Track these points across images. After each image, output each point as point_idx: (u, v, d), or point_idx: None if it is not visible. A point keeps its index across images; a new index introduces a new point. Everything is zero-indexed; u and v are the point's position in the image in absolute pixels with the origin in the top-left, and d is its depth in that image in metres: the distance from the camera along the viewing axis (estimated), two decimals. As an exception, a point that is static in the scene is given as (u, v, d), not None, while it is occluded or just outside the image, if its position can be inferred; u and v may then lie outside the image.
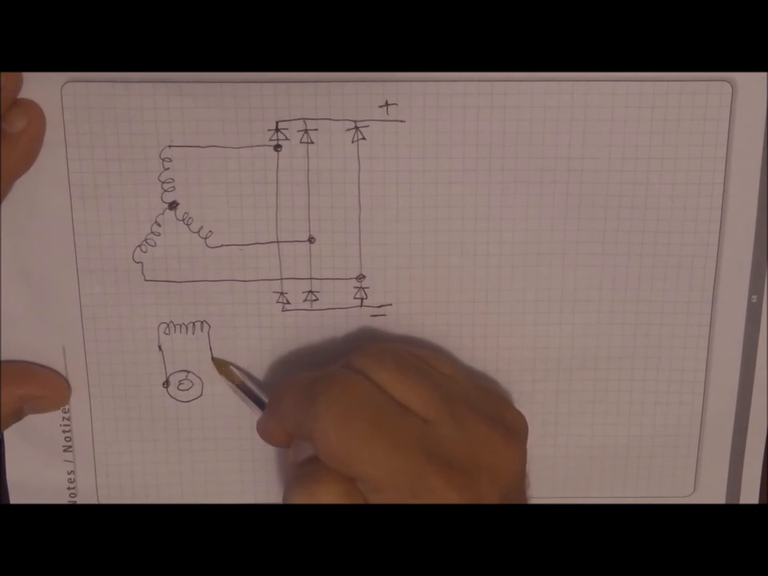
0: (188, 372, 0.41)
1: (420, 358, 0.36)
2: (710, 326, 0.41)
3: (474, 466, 0.33)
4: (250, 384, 0.40)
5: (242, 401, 0.40)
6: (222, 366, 0.40)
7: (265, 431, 0.38)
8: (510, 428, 0.36)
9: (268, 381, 0.41)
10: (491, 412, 0.36)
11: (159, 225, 0.39)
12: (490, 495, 0.33)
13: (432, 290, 0.40)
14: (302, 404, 0.34)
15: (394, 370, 0.34)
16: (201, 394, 0.41)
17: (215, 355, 0.40)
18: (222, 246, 0.39)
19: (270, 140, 0.38)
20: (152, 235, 0.39)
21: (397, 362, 0.35)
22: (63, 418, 0.41)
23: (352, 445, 0.32)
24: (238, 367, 0.40)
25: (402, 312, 0.40)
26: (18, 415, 0.39)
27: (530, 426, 0.40)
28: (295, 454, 0.36)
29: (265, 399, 0.39)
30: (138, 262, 0.39)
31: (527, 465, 0.37)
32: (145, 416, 0.41)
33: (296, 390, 0.35)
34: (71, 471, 0.41)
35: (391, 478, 0.32)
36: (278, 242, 0.39)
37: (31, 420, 0.40)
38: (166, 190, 0.38)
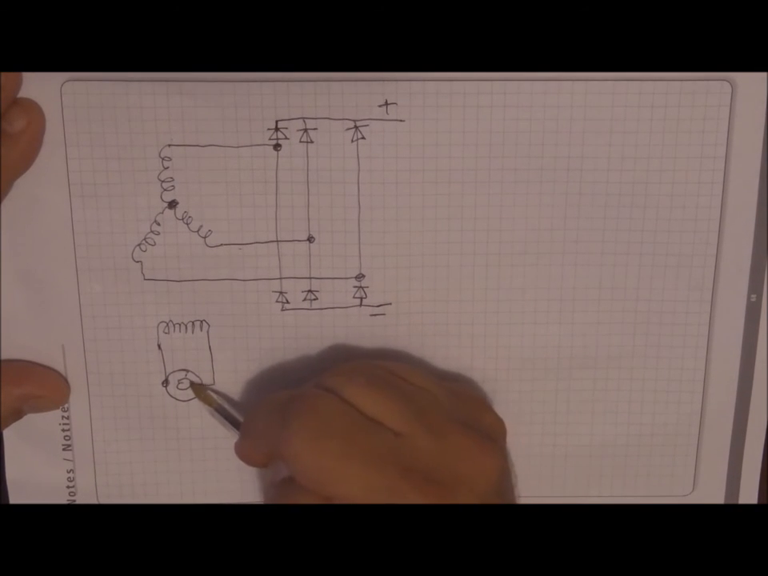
0: (187, 371, 0.41)
1: (391, 372, 0.36)
2: (710, 325, 0.41)
3: (451, 476, 0.33)
4: (228, 407, 0.40)
5: (222, 424, 0.40)
6: (199, 391, 0.40)
7: (241, 453, 0.37)
8: (487, 433, 0.36)
9: (266, 384, 0.41)
10: (467, 419, 0.36)
11: (159, 224, 0.39)
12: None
13: (431, 289, 0.40)
14: (274, 425, 0.34)
15: (364, 385, 0.34)
16: (200, 394, 0.41)
17: (216, 356, 0.40)
18: (221, 245, 0.39)
19: (270, 139, 0.38)
20: (151, 234, 0.39)
21: (366, 378, 0.35)
22: (63, 417, 0.41)
23: (324, 464, 0.32)
24: (216, 391, 0.40)
25: (401, 311, 0.40)
26: (17, 414, 0.39)
27: (529, 426, 0.40)
28: (273, 474, 0.35)
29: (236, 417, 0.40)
30: (137, 261, 0.39)
31: (514, 464, 0.37)
32: (144, 415, 0.41)
33: (268, 412, 0.35)
34: (71, 470, 0.41)
35: (366, 494, 0.32)
36: (277, 241, 0.39)
37: (31, 419, 0.40)
38: (165, 189, 0.38)
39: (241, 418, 0.40)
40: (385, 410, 0.34)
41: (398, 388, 0.35)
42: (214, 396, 0.40)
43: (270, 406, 0.36)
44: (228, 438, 0.41)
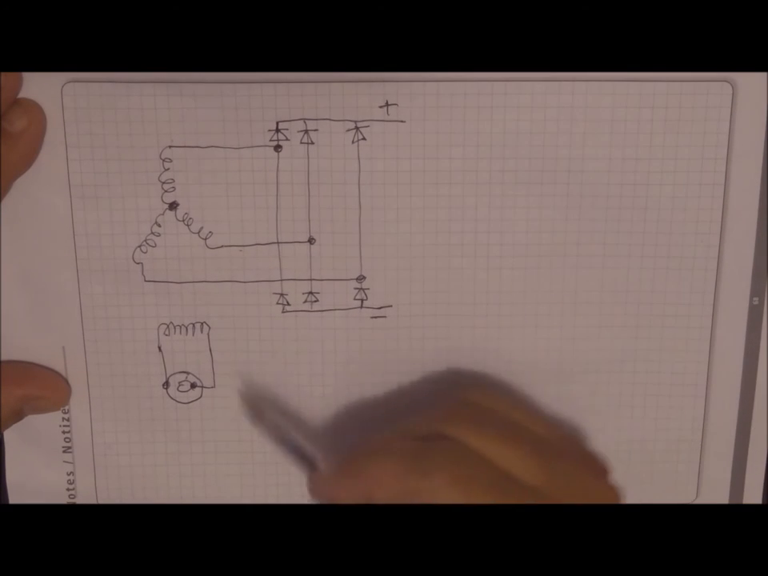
0: (188, 373, 0.41)
1: (515, 424, 0.36)
2: (712, 328, 0.40)
3: None
4: (294, 435, 0.39)
5: (283, 453, 0.39)
6: (259, 415, 0.39)
7: (331, 490, 0.36)
8: (603, 468, 0.37)
9: (267, 385, 0.41)
10: (586, 461, 0.37)
11: (159, 225, 0.39)
12: None
13: (432, 291, 0.40)
14: (407, 474, 0.34)
15: (495, 438, 0.34)
16: (201, 396, 0.41)
17: (217, 358, 0.40)
18: (222, 246, 0.39)
19: (271, 140, 0.38)
20: (152, 236, 0.39)
21: (496, 429, 0.35)
22: (63, 418, 0.40)
23: None
24: (281, 409, 0.39)
25: (402, 313, 0.40)
26: (18, 415, 0.39)
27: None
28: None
29: (306, 449, 0.38)
30: (138, 263, 0.39)
31: None
32: (144, 417, 0.41)
33: (396, 460, 0.35)
34: (71, 472, 0.41)
35: None
36: (278, 242, 0.39)
37: (31, 421, 0.40)
38: (166, 191, 0.39)
39: (305, 447, 0.38)
40: (519, 464, 0.34)
41: (524, 438, 0.35)
42: (278, 419, 0.39)
43: (395, 454, 0.35)
44: (228, 440, 0.41)
